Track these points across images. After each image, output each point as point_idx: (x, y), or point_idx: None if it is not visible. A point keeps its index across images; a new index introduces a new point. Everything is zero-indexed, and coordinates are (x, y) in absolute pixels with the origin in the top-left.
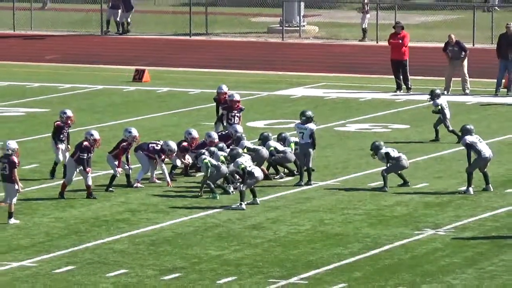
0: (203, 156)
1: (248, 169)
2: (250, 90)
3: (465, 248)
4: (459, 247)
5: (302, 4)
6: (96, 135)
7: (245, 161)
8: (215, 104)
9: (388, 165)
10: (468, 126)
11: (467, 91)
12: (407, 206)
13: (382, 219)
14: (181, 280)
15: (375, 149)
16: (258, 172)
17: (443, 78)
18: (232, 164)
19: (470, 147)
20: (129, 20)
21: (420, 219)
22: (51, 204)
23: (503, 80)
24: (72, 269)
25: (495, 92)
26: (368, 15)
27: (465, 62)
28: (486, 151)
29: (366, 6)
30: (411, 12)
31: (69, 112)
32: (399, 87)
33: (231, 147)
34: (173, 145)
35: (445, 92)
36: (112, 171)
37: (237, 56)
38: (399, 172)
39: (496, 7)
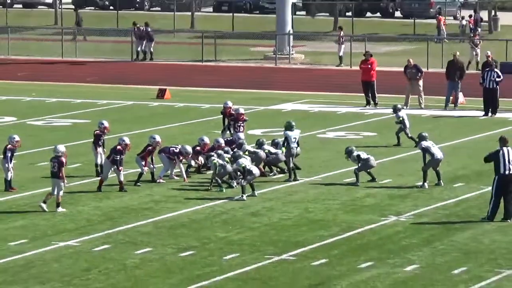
0: (212, 158)
1: (247, 167)
2: (250, 105)
3: (422, 231)
4: (416, 230)
5: (291, 37)
6: (127, 140)
7: (245, 161)
8: (221, 116)
9: (359, 165)
10: (423, 134)
11: (423, 106)
12: (375, 198)
13: (355, 208)
14: (194, 256)
15: (348, 153)
16: (255, 170)
17: (403, 95)
18: (235, 164)
19: (425, 150)
20: (151, 49)
21: (386, 208)
22: (91, 196)
23: (451, 97)
24: (107, 248)
25: (445, 107)
26: (343, 46)
27: (421, 82)
28: (438, 154)
29: (341, 38)
30: (378, 43)
31: (105, 123)
32: (368, 103)
33: (234, 150)
34: (189, 148)
35: (405, 107)
36: (139, 170)
37: (239, 78)
38: (368, 170)
39: (446, 40)
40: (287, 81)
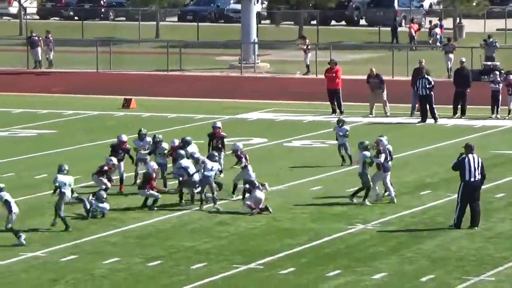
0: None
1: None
2: (216, 114)
3: (389, 239)
4: (384, 238)
5: (257, 46)
6: (114, 160)
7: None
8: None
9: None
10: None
11: (388, 114)
12: (342, 206)
13: (322, 216)
14: (162, 266)
15: (363, 148)
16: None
17: (368, 104)
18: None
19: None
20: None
21: (353, 216)
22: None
23: (417, 105)
24: (75, 258)
25: (411, 114)
26: (309, 54)
27: (384, 91)
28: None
29: (307, 46)
30: (343, 51)
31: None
32: (334, 111)
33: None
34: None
35: (370, 115)
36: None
37: (205, 87)
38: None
39: (414, 47)
40: (253, 90)
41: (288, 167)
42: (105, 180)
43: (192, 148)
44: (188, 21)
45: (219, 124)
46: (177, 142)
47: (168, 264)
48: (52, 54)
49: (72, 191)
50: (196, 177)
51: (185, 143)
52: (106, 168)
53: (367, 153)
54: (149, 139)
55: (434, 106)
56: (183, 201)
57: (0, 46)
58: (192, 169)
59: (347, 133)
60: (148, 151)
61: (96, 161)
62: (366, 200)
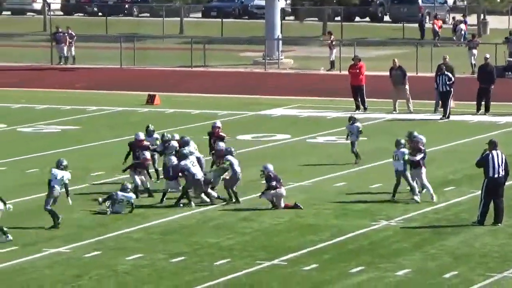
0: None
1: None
2: (239, 110)
3: (412, 236)
4: (407, 235)
5: (281, 42)
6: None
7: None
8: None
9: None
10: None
11: (411, 110)
12: (366, 202)
13: (346, 213)
14: (185, 262)
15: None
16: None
17: (391, 100)
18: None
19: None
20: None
21: (376, 212)
22: (81, 203)
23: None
24: (98, 254)
25: (434, 110)
26: (334, 50)
27: (407, 86)
28: (396, 165)
29: (332, 42)
30: (367, 47)
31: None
32: (357, 107)
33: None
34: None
35: (394, 112)
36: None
37: (228, 83)
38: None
39: (438, 44)
40: (277, 86)
41: (311, 163)
42: (137, 178)
43: (191, 148)
44: (212, 17)
45: (218, 124)
46: (177, 137)
47: (192, 260)
48: (73, 50)
49: (66, 187)
50: (199, 175)
51: (184, 143)
52: (139, 161)
53: (405, 151)
54: (157, 135)
55: (449, 102)
56: (191, 202)
57: (24, 42)
58: (194, 169)
59: (360, 130)
60: (155, 147)
61: (119, 157)
62: (415, 196)
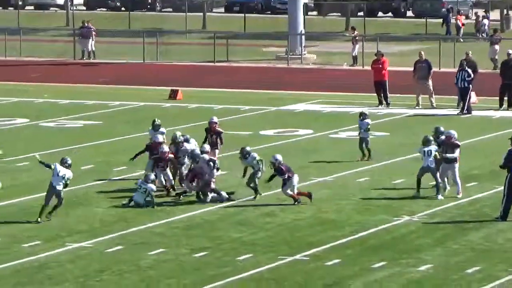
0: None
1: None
2: (262, 105)
3: (435, 231)
4: (429, 230)
5: (303, 37)
6: (166, 148)
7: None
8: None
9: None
10: (428, 137)
11: (434, 105)
12: (388, 198)
13: (368, 208)
14: (208, 257)
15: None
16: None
17: (415, 95)
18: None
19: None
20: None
21: (399, 208)
22: (104, 197)
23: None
24: (121, 249)
25: (457, 106)
26: (357, 45)
27: (430, 82)
28: (424, 162)
29: (355, 38)
30: (390, 42)
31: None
32: (380, 103)
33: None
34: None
35: (416, 107)
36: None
37: (251, 78)
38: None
39: (461, 39)
40: (300, 81)
41: (333, 159)
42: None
43: (191, 145)
44: (234, 12)
45: (215, 119)
46: (178, 134)
47: (215, 255)
48: (93, 44)
49: (66, 185)
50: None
51: (184, 141)
52: (158, 156)
53: (435, 147)
54: (163, 129)
55: (468, 98)
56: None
57: (47, 37)
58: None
59: (369, 126)
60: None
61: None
62: (439, 196)
